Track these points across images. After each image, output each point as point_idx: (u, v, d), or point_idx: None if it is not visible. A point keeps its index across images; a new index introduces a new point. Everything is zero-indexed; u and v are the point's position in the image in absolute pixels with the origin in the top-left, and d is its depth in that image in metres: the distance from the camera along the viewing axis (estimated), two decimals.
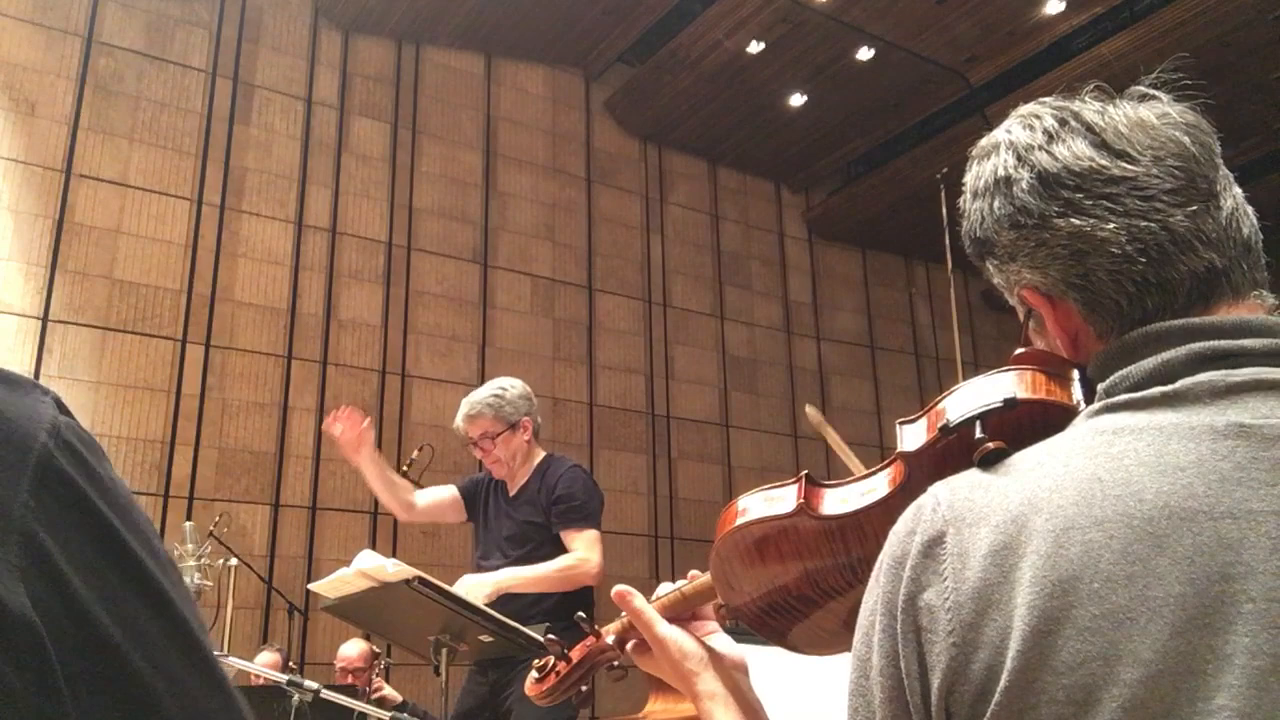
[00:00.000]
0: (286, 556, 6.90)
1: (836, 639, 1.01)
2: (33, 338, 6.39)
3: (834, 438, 1.83)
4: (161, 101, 7.23)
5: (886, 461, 0.92)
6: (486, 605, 2.80)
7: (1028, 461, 0.73)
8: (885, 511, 0.86)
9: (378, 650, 5.15)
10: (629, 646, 1.12)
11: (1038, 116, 0.83)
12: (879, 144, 9.88)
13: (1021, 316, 0.88)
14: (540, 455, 3.36)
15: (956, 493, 0.74)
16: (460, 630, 2.72)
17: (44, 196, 6.63)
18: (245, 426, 7.00)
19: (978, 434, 0.79)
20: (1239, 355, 0.71)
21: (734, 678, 1.04)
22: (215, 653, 0.60)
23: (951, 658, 0.68)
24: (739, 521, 0.97)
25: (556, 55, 8.99)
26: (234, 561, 5.09)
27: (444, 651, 2.72)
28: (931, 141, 9.29)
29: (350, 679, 4.78)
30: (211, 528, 5.31)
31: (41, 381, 0.60)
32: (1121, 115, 0.80)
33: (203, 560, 4.58)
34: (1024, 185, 0.81)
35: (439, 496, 3.46)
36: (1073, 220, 0.78)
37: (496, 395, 3.31)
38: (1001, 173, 0.82)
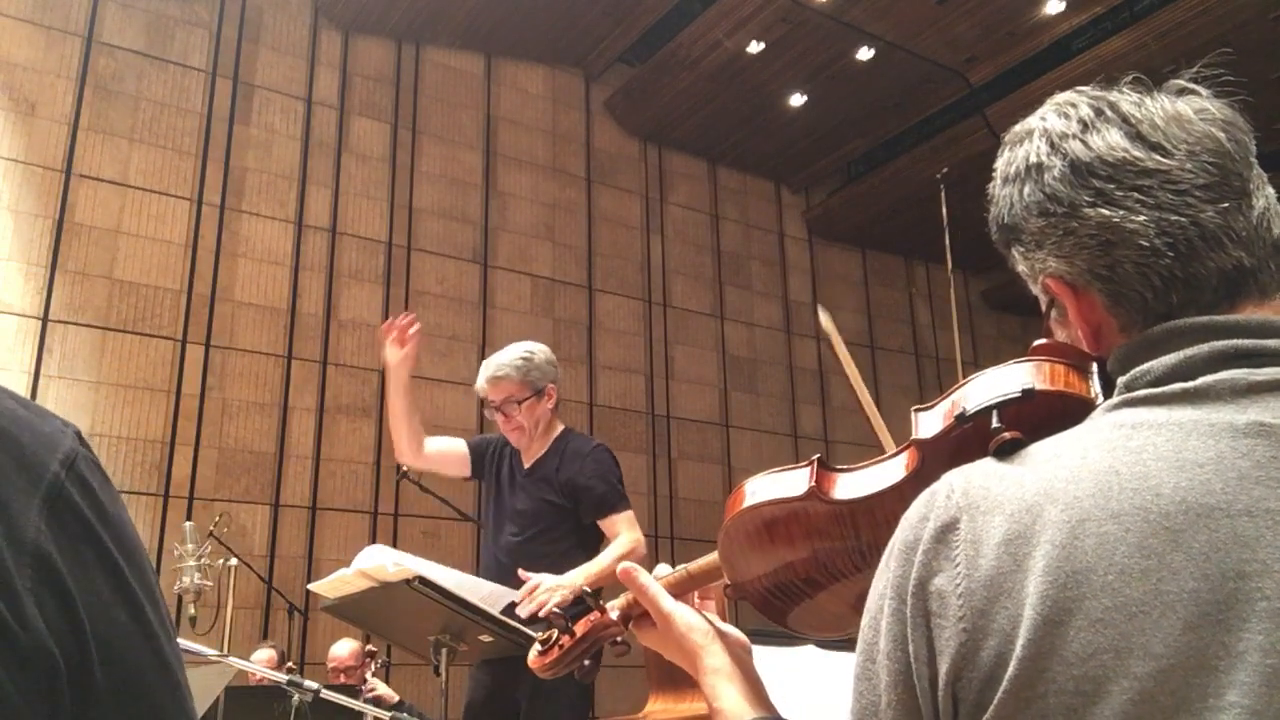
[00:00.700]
0: (286, 556, 6.89)
1: (842, 621, 1.01)
2: (33, 338, 6.39)
3: (842, 351, 1.81)
4: (161, 101, 7.23)
5: (900, 448, 0.92)
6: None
7: (1044, 452, 0.73)
8: (898, 497, 0.86)
9: (375, 650, 5.15)
10: (633, 622, 1.12)
11: (1074, 105, 0.82)
12: (879, 144, 9.88)
13: (1044, 306, 0.87)
14: (559, 428, 3.22)
15: (971, 480, 0.74)
16: (460, 630, 2.72)
17: (44, 196, 6.63)
18: (245, 426, 7.00)
19: (994, 424, 0.79)
20: (1262, 355, 0.71)
21: (739, 654, 1.04)
22: (189, 693, 0.62)
23: (961, 643, 0.68)
24: (749, 502, 0.97)
25: (556, 55, 8.99)
26: (234, 561, 5.09)
27: (444, 651, 2.71)
28: (931, 141, 9.29)
29: (342, 678, 4.78)
30: (211, 528, 5.31)
31: (41, 381, 0.61)
32: (1159, 108, 0.79)
33: (203, 560, 4.58)
34: (1056, 173, 0.80)
35: (448, 447, 3.32)
36: (1102, 210, 0.77)
37: (524, 358, 3.13)
38: (1034, 159, 0.82)
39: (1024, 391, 0.81)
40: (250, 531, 6.77)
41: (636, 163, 9.51)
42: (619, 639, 1.14)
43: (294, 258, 7.47)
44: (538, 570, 2.93)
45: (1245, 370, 0.70)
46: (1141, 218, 0.76)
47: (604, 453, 3.15)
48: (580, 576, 2.89)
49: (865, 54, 8.37)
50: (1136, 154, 0.78)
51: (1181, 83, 0.81)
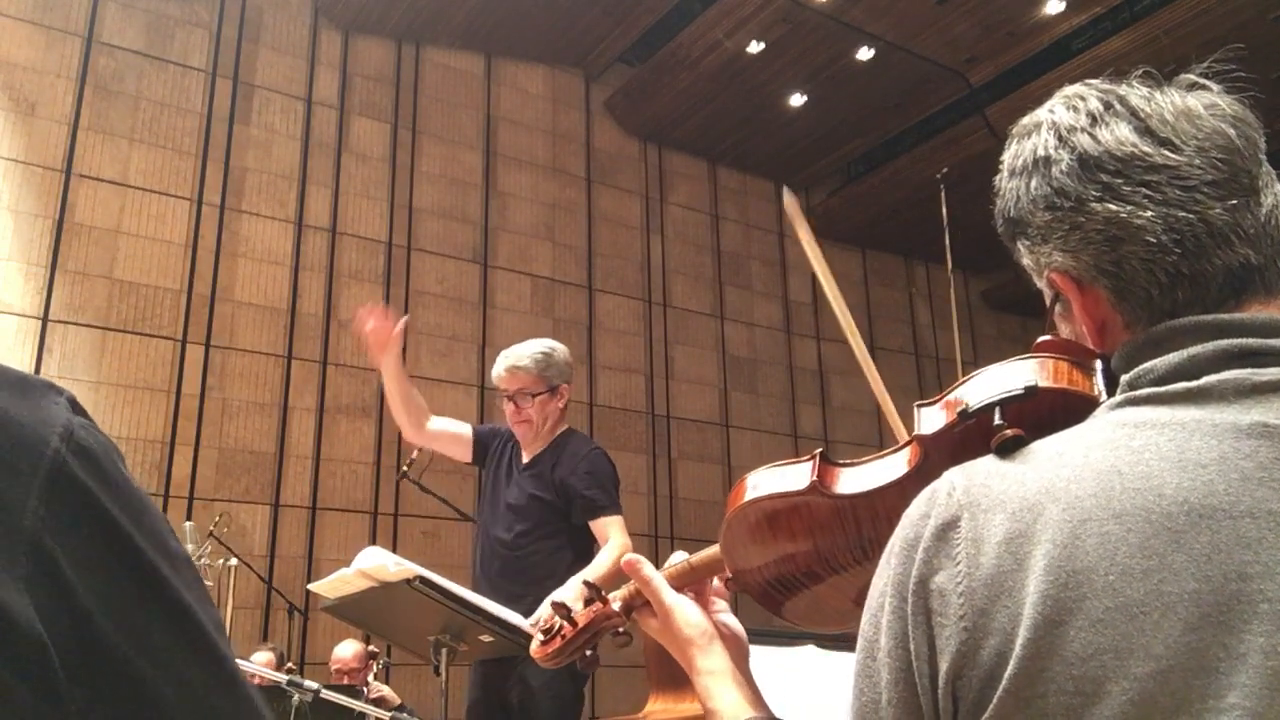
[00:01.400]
0: (286, 556, 6.89)
1: (843, 616, 1.01)
2: (33, 338, 6.39)
3: (806, 235, 1.78)
4: (161, 101, 7.23)
5: (903, 443, 0.92)
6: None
7: (1046, 451, 0.73)
8: (899, 493, 0.86)
9: (376, 650, 5.15)
10: (635, 613, 1.13)
11: (1083, 98, 0.81)
12: (879, 144, 9.88)
13: (1048, 301, 0.86)
14: (563, 428, 3.25)
15: (973, 478, 0.73)
16: (460, 630, 2.72)
17: (44, 196, 6.63)
18: (245, 426, 7.00)
19: (996, 420, 0.79)
20: (1267, 355, 0.71)
21: (736, 656, 1.04)
22: (230, 653, 0.59)
23: (961, 642, 0.68)
24: (751, 496, 0.98)
25: (556, 55, 8.99)
26: (234, 561, 5.09)
27: (444, 651, 2.71)
28: (931, 141, 9.29)
29: (345, 680, 4.78)
30: (211, 528, 5.31)
31: None
32: (1168, 103, 0.79)
33: (203, 560, 4.58)
34: (1063, 166, 0.79)
35: (451, 428, 3.34)
36: (1110, 205, 0.77)
37: (545, 353, 3.17)
38: (1041, 152, 0.81)
39: (1027, 389, 0.81)
40: (250, 531, 6.77)
41: (636, 163, 9.51)
42: (620, 630, 1.15)
43: (294, 258, 7.47)
44: (523, 565, 2.96)
45: (1250, 370, 0.70)
46: (1149, 213, 0.75)
47: (600, 456, 3.17)
48: (588, 576, 2.90)
49: (865, 54, 8.37)
50: (1145, 149, 0.77)
51: (1192, 77, 0.80)
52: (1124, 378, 0.76)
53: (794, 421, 9.72)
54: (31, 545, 0.50)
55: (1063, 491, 0.68)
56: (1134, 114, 0.79)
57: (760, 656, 1.12)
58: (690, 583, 1.10)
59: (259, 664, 3.93)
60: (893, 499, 0.88)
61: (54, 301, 6.50)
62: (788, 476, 0.97)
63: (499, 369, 3.19)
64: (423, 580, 2.55)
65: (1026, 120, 0.85)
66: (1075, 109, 0.81)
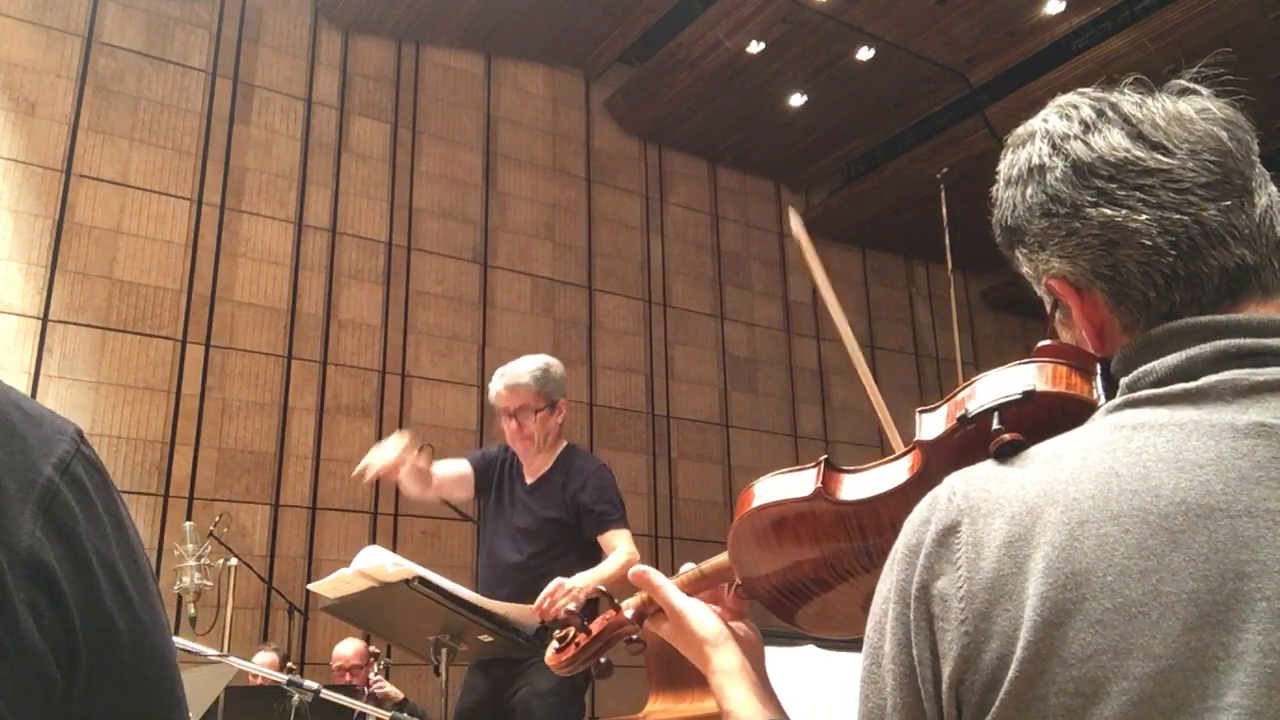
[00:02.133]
0: (286, 556, 6.89)
1: (853, 622, 1.02)
2: (33, 338, 6.39)
3: (811, 256, 1.80)
4: (161, 101, 7.23)
5: (905, 450, 0.92)
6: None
7: (1045, 454, 0.73)
8: (902, 499, 0.87)
9: (376, 650, 5.15)
10: (648, 620, 1.14)
11: (1075, 106, 0.82)
12: (879, 144, 9.88)
13: (1048, 307, 0.87)
14: (563, 444, 3.27)
15: (972, 483, 0.74)
16: (460, 630, 2.72)
17: (44, 196, 6.63)
18: (245, 426, 7.00)
19: (995, 425, 0.79)
20: (1264, 355, 0.71)
21: (751, 657, 1.05)
22: (181, 685, 0.64)
23: (963, 646, 0.68)
24: (758, 503, 0.99)
25: (556, 55, 8.99)
26: (234, 561, 5.08)
27: (444, 651, 2.72)
28: (931, 141, 9.29)
29: (347, 678, 4.78)
30: (211, 528, 5.31)
31: (41, 381, 0.62)
32: (1160, 108, 0.80)
33: (203, 560, 4.58)
34: (1058, 173, 0.80)
35: (453, 471, 3.34)
36: (1105, 210, 0.77)
37: (543, 369, 3.19)
38: (1036, 161, 0.82)
39: (1025, 393, 0.81)
40: (250, 531, 6.77)
41: (636, 163, 9.51)
42: (634, 637, 1.16)
43: (294, 258, 7.47)
44: (538, 588, 2.94)
45: (1247, 370, 0.70)
46: (1144, 217, 0.76)
47: (606, 472, 3.21)
48: (591, 578, 2.90)
49: (865, 54, 8.37)
50: (1138, 154, 0.78)
51: (1183, 83, 0.81)
52: (1123, 380, 0.77)
53: (794, 421, 9.72)
54: (31, 565, 0.53)
55: (1061, 494, 0.69)
56: (1126, 120, 0.79)
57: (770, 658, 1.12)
58: (701, 590, 1.11)
59: (261, 664, 3.94)
60: (896, 505, 0.88)
61: (54, 301, 6.50)
62: (792, 484, 0.98)
63: (498, 387, 3.20)
64: (421, 580, 2.55)
65: (1020, 130, 0.86)
66: (1068, 117, 0.82)
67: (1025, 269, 0.86)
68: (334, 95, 7.97)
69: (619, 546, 3.05)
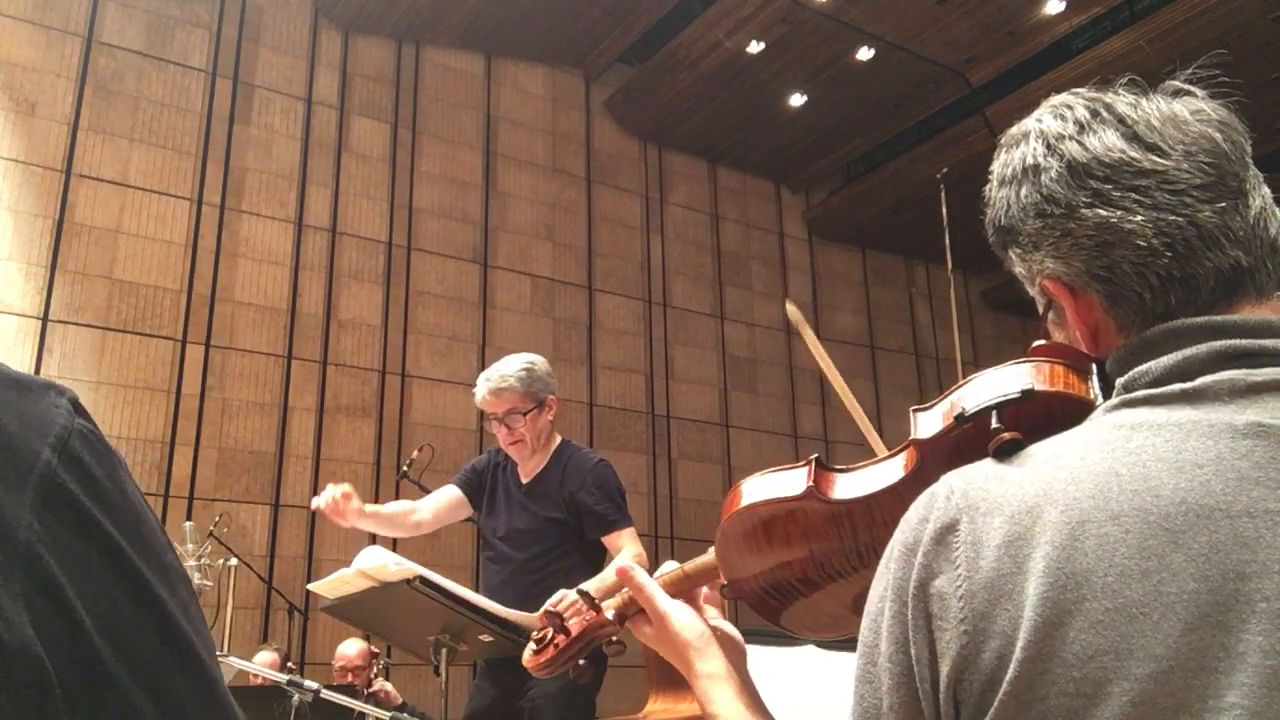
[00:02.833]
0: (286, 556, 6.89)
1: (840, 622, 1.01)
2: (33, 338, 6.39)
3: (811, 339, 1.81)
4: (161, 101, 7.23)
5: (899, 448, 0.92)
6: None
7: (1044, 454, 0.73)
8: (895, 498, 0.86)
9: (376, 650, 5.15)
10: (629, 621, 1.12)
11: (1070, 106, 0.82)
12: (879, 144, 9.88)
13: (1041, 308, 0.87)
14: (557, 440, 3.18)
15: (971, 482, 0.74)
16: (460, 630, 2.72)
17: (44, 196, 6.63)
18: (245, 426, 7.00)
19: (993, 424, 0.79)
20: (1260, 355, 0.71)
21: (735, 660, 1.04)
22: (218, 673, 0.58)
23: (962, 646, 0.68)
24: (746, 502, 0.97)
25: (556, 55, 8.99)
26: (234, 561, 5.09)
27: (444, 651, 2.71)
28: (931, 141, 9.29)
29: (349, 678, 4.77)
30: (211, 528, 5.31)
31: None
32: (1154, 109, 0.80)
33: (203, 560, 4.58)
34: (1052, 174, 0.80)
35: (442, 501, 3.30)
36: (1100, 211, 0.77)
37: (526, 369, 3.08)
38: (1030, 161, 0.82)
39: (1023, 392, 0.81)
40: (250, 531, 6.77)
41: (636, 163, 9.51)
42: (614, 639, 1.14)
43: (294, 258, 7.47)
44: (541, 589, 2.92)
45: (1244, 370, 0.70)
46: (1139, 218, 0.76)
47: (606, 468, 3.12)
48: (590, 588, 2.86)
49: (865, 54, 8.37)
50: (1133, 155, 0.78)
51: (1177, 84, 0.81)
52: (1119, 380, 0.77)
53: (794, 421, 9.72)
54: (27, 560, 0.49)
55: (1061, 494, 0.69)
56: (1121, 121, 0.79)
57: (761, 657, 1.11)
58: (685, 590, 1.09)
59: (261, 664, 3.94)
60: (889, 504, 0.88)
61: (54, 301, 6.50)
62: (783, 482, 0.96)
63: (482, 393, 3.11)
64: (423, 580, 2.55)
65: (1014, 130, 0.85)
66: (1063, 117, 0.82)
67: (1018, 269, 0.86)
68: (334, 95, 7.96)
69: (625, 548, 2.99)
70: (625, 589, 1.11)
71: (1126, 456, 0.69)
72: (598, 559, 3.09)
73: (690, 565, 1.09)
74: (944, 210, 7.27)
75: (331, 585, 2.71)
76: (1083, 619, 0.64)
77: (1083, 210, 0.78)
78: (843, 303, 10.52)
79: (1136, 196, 0.77)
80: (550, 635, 1.15)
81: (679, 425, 9.00)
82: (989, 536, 0.70)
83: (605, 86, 9.34)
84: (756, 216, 10.23)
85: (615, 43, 8.79)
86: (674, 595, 1.08)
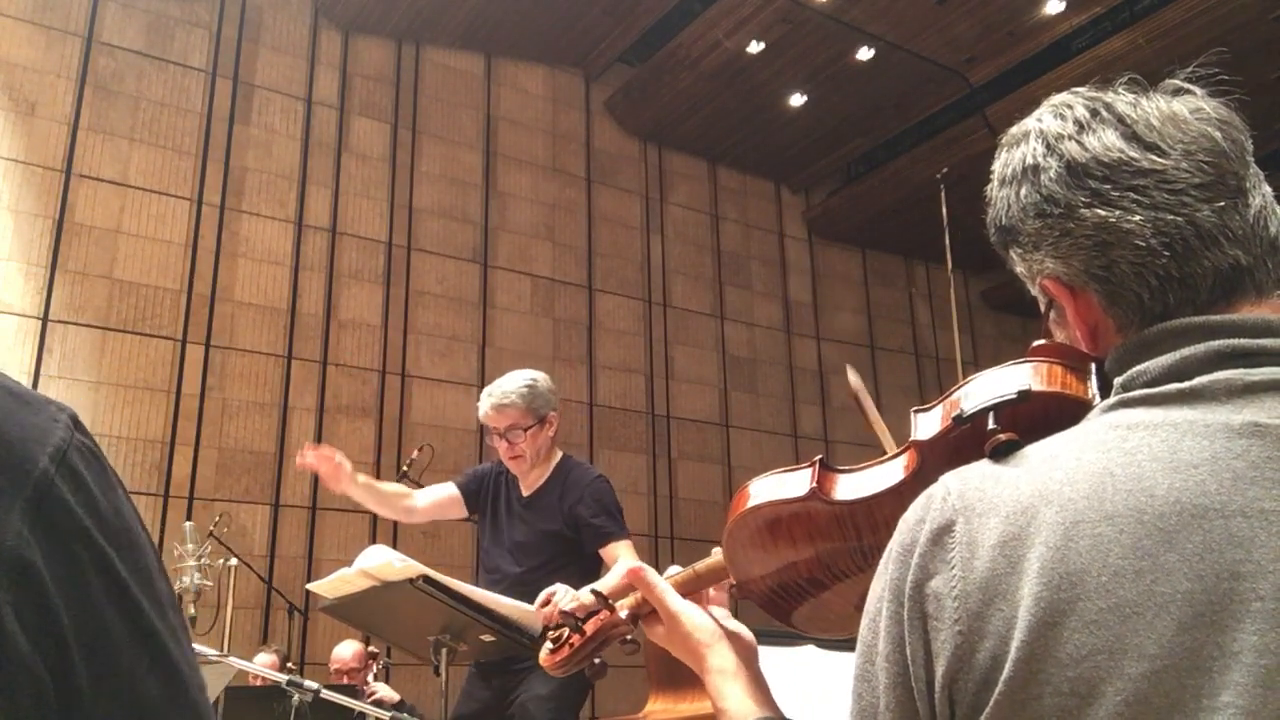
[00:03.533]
0: (286, 556, 6.89)
1: (846, 622, 1.02)
2: (33, 338, 6.39)
3: (870, 407, 1.82)
4: (161, 101, 7.23)
5: (900, 449, 0.93)
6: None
7: (1040, 454, 0.73)
8: (897, 499, 0.86)
9: (375, 651, 5.15)
10: (642, 621, 1.14)
11: (1069, 106, 0.82)
12: (879, 144, 9.88)
13: (1042, 308, 0.87)
14: (558, 455, 3.24)
15: (967, 483, 0.74)
16: (460, 630, 2.72)
17: (44, 196, 6.63)
18: (245, 426, 7.00)
19: (991, 425, 0.79)
20: (1258, 355, 0.71)
21: (745, 655, 1.05)
22: (202, 696, 0.58)
23: (957, 646, 0.68)
24: (752, 503, 0.99)
25: (556, 55, 8.99)
26: (234, 561, 5.08)
27: (444, 651, 2.71)
28: (931, 141, 9.29)
29: (345, 680, 4.77)
30: (211, 528, 5.30)
31: (41, 381, 0.58)
32: (1154, 108, 0.79)
33: (203, 560, 4.57)
34: (1052, 174, 0.80)
35: (439, 496, 3.35)
36: (1098, 210, 0.77)
37: (529, 385, 3.14)
38: (1030, 161, 0.82)
39: (1020, 393, 0.81)
40: (250, 531, 6.77)
41: (636, 163, 9.51)
42: (628, 637, 1.16)
43: (294, 258, 7.47)
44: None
45: (1242, 370, 0.70)
46: (1137, 217, 0.76)
47: (604, 483, 3.17)
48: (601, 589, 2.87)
49: (865, 54, 8.37)
50: (1132, 154, 0.77)
51: (1177, 83, 0.81)
52: (1116, 380, 0.77)
53: (794, 421, 9.72)
54: (14, 566, 0.49)
55: (1056, 494, 0.69)
56: (1120, 120, 0.79)
57: (760, 656, 1.12)
58: (694, 590, 1.11)
59: (261, 665, 3.94)
60: (891, 505, 0.88)
61: (54, 301, 6.50)
62: (787, 483, 0.97)
63: (485, 408, 3.17)
64: (427, 579, 2.55)
65: (1015, 130, 0.86)
66: (1062, 117, 0.82)
67: (1019, 268, 0.86)
68: (334, 95, 7.97)
69: (621, 558, 3.01)
70: (638, 590, 1.12)
71: (1122, 456, 0.69)
72: (595, 572, 3.11)
73: (701, 565, 1.10)
74: (944, 210, 7.27)
75: (332, 585, 2.71)
76: (1076, 619, 0.64)
77: (1081, 210, 0.78)
78: (843, 303, 10.52)
79: (1135, 196, 0.76)
80: (566, 635, 1.17)
81: (679, 425, 9.00)
82: (984, 537, 0.70)
83: (605, 86, 9.34)
84: (756, 216, 10.23)
85: (615, 43, 8.79)
86: (685, 595, 1.10)
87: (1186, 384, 0.71)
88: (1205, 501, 0.65)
